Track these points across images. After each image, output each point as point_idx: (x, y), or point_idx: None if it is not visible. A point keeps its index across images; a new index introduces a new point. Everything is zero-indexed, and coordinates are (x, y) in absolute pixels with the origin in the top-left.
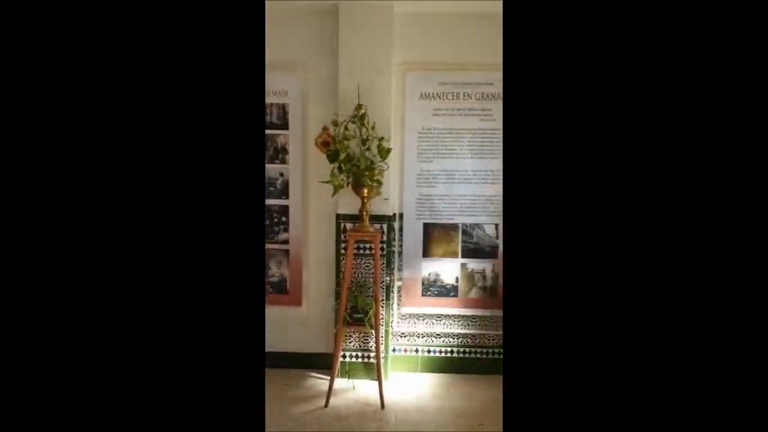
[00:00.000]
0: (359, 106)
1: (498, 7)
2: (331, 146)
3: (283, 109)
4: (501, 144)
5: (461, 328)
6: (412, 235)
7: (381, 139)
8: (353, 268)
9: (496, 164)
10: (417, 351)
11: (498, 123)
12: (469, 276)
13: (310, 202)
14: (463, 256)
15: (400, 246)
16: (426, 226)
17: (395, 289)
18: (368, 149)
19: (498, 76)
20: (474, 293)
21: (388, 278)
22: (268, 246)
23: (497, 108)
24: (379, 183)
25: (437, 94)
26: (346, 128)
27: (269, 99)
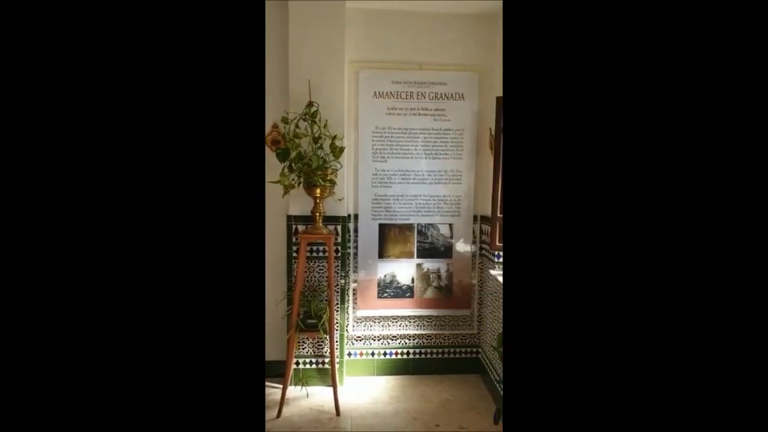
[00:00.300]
0: (310, 103)
1: (453, 7)
2: (281, 144)
3: None
4: (454, 145)
5: (417, 329)
6: (368, 236)
7: (334, 137)
8: (306, 272)
9: (450, 164)
10: (373, 354)
11: (451, 123)
12: (425, 276)
13: None
14: (419, 257)
15: (355, 247)
16: (382, 226)
17: (350, 292)
18: (320, 148)
19: (451, 76)
20: (429, 293)
21: (342, 281)
22: None
23: (451, 108)
24: (333, 183)
25: (391, 92)
26: (296, 126)
27: None
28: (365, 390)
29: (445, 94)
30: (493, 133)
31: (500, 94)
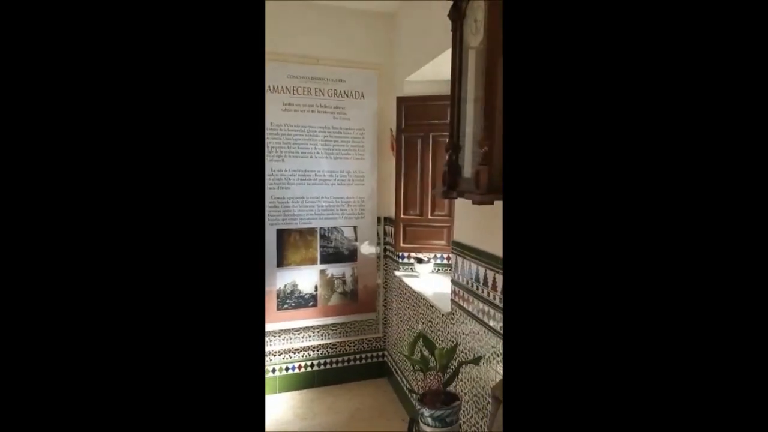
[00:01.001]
0: None
1: (353, 2)
2: None
3: None
4: (356, 145)
5: (321, 339)
6: (266, 244)
7: None
8: None
9: (352, 165)
10: (273, 371)
11: (352, 122)
12: (329, 282)
13: None
14: (323, 262)
15: None
16: (280, 232)
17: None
18: None
19: (350, 74)
20: (334, 300)
21: None
22: None
23: (351, 107)
24: None
25: (287, 87)
26: None
27: None
28: (267, 411)
29: (344, 92)
30: (394, 133)
31: (400, 93)
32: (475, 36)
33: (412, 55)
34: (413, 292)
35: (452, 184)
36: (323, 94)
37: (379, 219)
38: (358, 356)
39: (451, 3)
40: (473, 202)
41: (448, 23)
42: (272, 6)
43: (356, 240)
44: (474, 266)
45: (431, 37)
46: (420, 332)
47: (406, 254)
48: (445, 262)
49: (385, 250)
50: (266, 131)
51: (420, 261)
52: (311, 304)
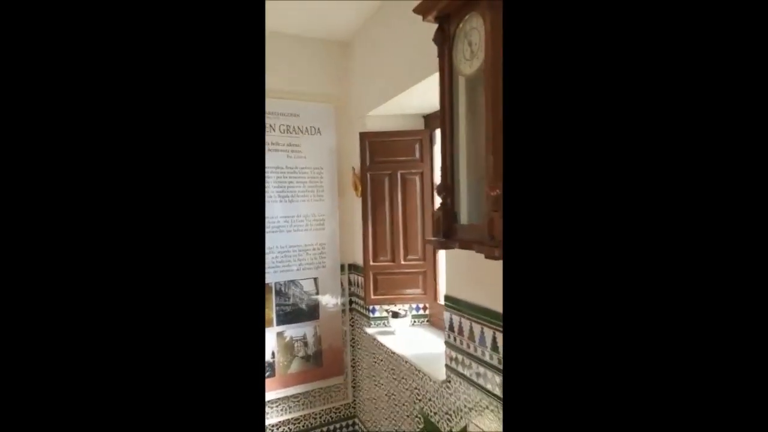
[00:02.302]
0: None
1: (306, 30)
2: None
3: None
4: (313, 185)
5: (282, 414)
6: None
7: None
8: None
9: (310, 208)
10: None
11: (308, 161)
12: (288, 346)
13: None
14: (279, 323)
15: None
16: None
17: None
18: None
19: (305, 107)
20: (295, 366)
21: None
22: None
23: (306, 143)
24: None
25: None
26: None
27: None
28: None
29: (298, 128)
30: (357, 172)
31: (361, 128)
32: (470, 62)
33: (375, 87)
34: (391, 354)
35: (448, 233)
36: (274, 130)
37: (342, 267)
38: (325, 428)
39: (436, 26)
40: (486, 256)
41: (419, 50)
42: None
43: (317, 293)
44: (476, 326)
45: (399, 66)
46: (425, 416)
47: (377, 307)
48: (423, 312)
49: (351, 302)
50: None
51: (396, 315)
52: (267, 374)
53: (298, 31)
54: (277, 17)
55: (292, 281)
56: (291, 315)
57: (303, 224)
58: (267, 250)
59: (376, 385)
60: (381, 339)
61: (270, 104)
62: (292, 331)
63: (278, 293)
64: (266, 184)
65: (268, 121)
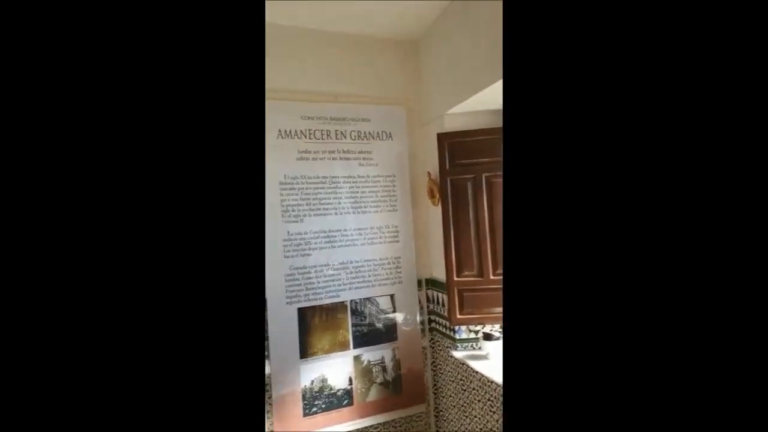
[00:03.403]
0: None
1: (374, 29)
2: None
3: None
4: (386, 194)
5: None
6: (283, 328)
7: None
8: None
9: (383, 219)
10: None
11: (380, 168)
12: (366, 371)
13: None
14: (356, 346)
15: (266, 348)
16: (302, 312)
17: (264, 414)
18: None
19: (375, 111)
20: (374, 394)
21: None
22: None
23: (378, 150)
24: None
25: (302, 131)
26: None
27: None
28: None
29: (369, 133)
30: (434, 176)
31: (438, 129)
32: None
33: (450, 85)
34: (487, 382)
35: None
36: (345, 137)
37: (419, 282)
38: None
39: None
40: None
41: (498, 44)
42: (277, 35)
43: (394, 311)
44: None
45: (477, 62)
46: None
47: (462, 327)
48: None
49: (429, 320)
50: (278, 187)
51: (488, 337)
52: (346, 402)
53: (364, 31)
54: (341, 17)
55: (368, 298)
56: (367, 336)
57: (377, 237)
58: (341, 266)
59: (465, 416)
60: (472, 364)
61: (340, 110)
62: (369, 354)
63: (354, 312)
64: (339, 196)
65: (338, 127)
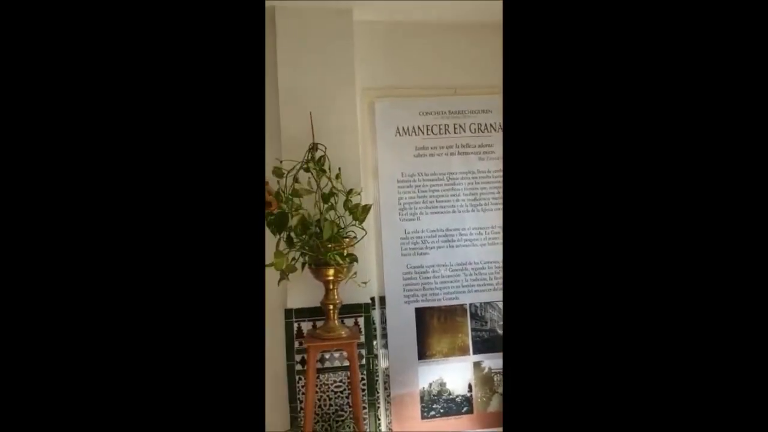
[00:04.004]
0: (314, 146)
1: (493, 14)
2: (273, 208)
3: None
4: None
5: None
6: (401, 329)
7: (349, 192)
8: (318, 391)
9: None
10: None
11: (501, 163)
12: (487, 379)
13: None
14: (476, 351)
15: (384, 346)
16: (420, 312)
17: (382, 416)
18: (332, 208)
19: (497, 102)
20: (496, 405)
21: (370, 399)
22: None
23: (500, 143)
24: (353, 259)
25: (419, 127)
26: (296, 180)
27: None
28: None
29: (491, 125)
30: None
31: None
32: None
33: None
34: None
35: None
36: (465, 131)
37: None
38: None
39: None
40: None
41: None
42: (392, 29)
43: None
44: None
45: None
46: None
47: None
48: None
49: None
50: (396, 185)
51: None
52: (465, 409)
53: (488, 17)
54: (454, 7)
55: (489, 303)
56: (489, 342)
57: (499, 237)
58: (459, 267)
59: None
60: None
61: (459, 102)
62: (490, 361)
63: (474, 316)
64: (457, 193)
65: (457, 120)
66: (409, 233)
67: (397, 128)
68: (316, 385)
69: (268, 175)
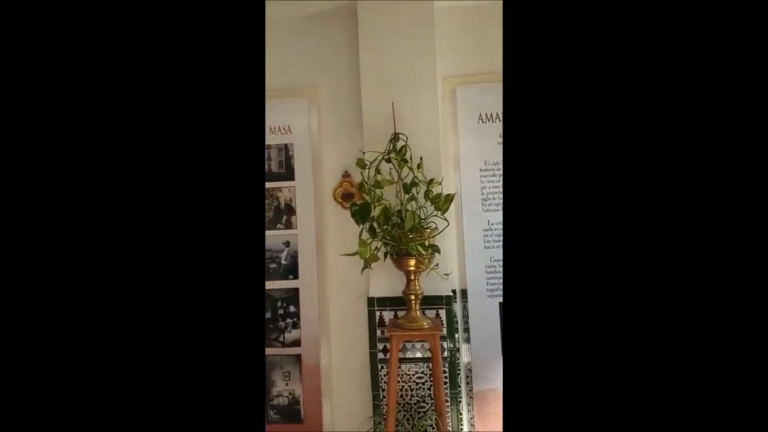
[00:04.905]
0: (396, 136)
1: None
2: (356, 199)
3: (285, 152)
4: None
5: None
6: (484, 323)
7: (431, 182)
8: (400, 381)
9: None
10: None
11: None
12: None
13: (329, 283)
14: None
15: (467, 340)
16: (503, 307)
17: (464, 411)
18: (413, 199)
19: None
20: None
21: (453, 392)
22: (269, 351)
23: None
24: (435, 250)
25: (501, 114)
26: (377, 171)
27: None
28: None
29: None
30: None
31: None
32: None
33: None
34: None
35: None
36: None
37: None
38: None
39: None
40: None
41: None
42: (472, 15)
43: None
44: None
45: None
46: None
47: None
48: None
49: None
50: (479, 174)
51: None
52: None
53: None
54: None
55: None
56: None
57: None
58: None
59: None
60: None
61: None
62: None
63: None
64: None
65: None
66: (492, 224)
67: (480, 115)
68: (398, 375)
69: (352, 167)
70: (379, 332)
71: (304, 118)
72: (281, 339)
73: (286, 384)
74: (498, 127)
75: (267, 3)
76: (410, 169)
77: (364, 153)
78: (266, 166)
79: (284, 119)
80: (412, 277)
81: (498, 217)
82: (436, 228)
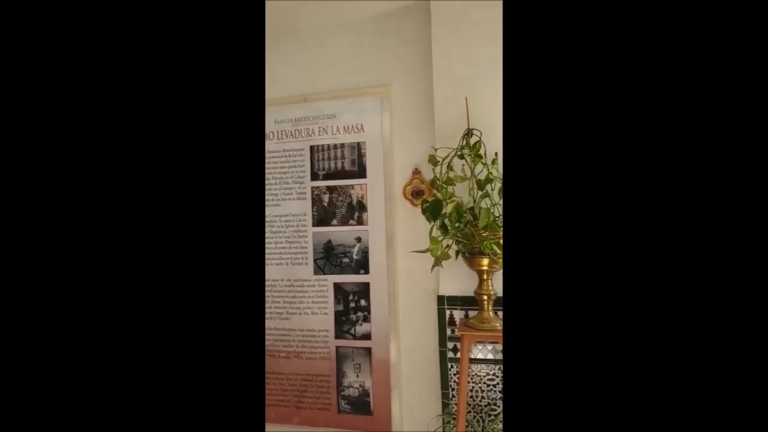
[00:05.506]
0: (469, 132)
1: None
2: (427, 196)
3: (358, 151)
4: None
5: None
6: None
7: None
8: (470, 382)
9: None
10: None
11: None
12: None
13: (400, 280)
14: None
15: None
16: None
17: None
18: (487, 196)
19: None
20: None
21: None
22: (341, 343)
23: None
24: None
25: None
26: (449, 167)
27: (337, 138)
28: None
29: None
30: None
31: None
32: None
33: None
34: None
35: None
36: None
37: None
38: None
39: None
40: None
41: None
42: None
43: None
44: None
45: None
46: None
47: None
48: None
49: None
50: None
51: None
52: None
53: None
54: None
55: None
56: None
57: None
58: None
59: None
60: None
61: None
62: None
63: None
64: None
65: None
66: None
67: None
68: (468, 375)
69: (421, 164)
70: (449, 331)
71: (377, 117)
72: (352, 332)
73: (357, 376)
74: None
75: (339, 3)
76: (485, 165)
77: (436, 150)
78: (340, 165)
79: (357, 119)
80: (485, 277)
81: None
82: None
